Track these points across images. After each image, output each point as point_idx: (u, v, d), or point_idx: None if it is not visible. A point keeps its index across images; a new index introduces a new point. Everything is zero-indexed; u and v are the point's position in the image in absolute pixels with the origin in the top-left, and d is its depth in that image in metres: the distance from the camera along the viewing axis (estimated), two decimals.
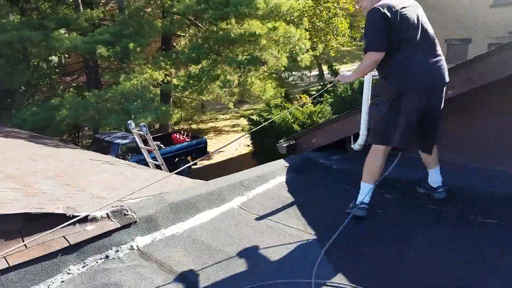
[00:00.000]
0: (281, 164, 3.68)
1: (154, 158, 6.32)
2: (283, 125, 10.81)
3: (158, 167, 6.25)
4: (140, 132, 5.91)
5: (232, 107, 17.92)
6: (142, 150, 6.25)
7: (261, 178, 3.35)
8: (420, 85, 2.47)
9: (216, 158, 14.59)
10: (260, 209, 2.90)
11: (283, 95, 14.29)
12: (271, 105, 12.42)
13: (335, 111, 10.82)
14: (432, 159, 2.86)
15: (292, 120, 10.75)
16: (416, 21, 2.46)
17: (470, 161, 3.36)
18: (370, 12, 2.47)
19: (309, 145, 4.06)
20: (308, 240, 2.46)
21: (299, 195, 3.14)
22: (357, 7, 2.87)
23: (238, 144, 15.86)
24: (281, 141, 4.22)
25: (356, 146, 3.62)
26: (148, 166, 6.34)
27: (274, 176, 3.45)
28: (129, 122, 6.04)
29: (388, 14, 2.39)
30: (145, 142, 6.29)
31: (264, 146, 11.27)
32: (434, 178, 2.88)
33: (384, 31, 2.41)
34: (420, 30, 2.49)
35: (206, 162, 14.10)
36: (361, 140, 3.52)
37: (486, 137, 3.28)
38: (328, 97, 11.46)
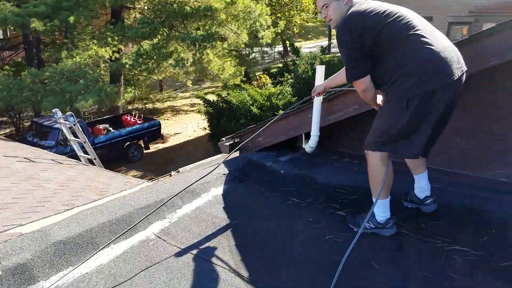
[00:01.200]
0: (219, 171, 3.06)
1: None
2: (240, 107, 10.17)
3: (90, 161, 5.48)
4: (66, 122, 5.09)
5: (191, 85, 17.04)
6: (71, 142, 5.44)
7: (190, 193, 2.72)
8: (450, 78, 1.90)
9: (172, 141, 13.77)
10: (185, 238, 2.29)
11: (243, 74, 13.54)
12: (228, 85, 11.68)
13: (295, 92, 10.28)
14: (422, 161, 2.34)
15: (250, 102, 10.11)
16: (402, 9, 2.01)
17: (447, 166, 2.88)
18: (339, 28, 2.04)
19: (256, 144, 3.46)
20: None
21: (236, 215, 2.55)
22: (321, 17, 2.28)
23: (197, 125, 15.12)
24: (224, 139, 3.59)
25: (307, 148, 3.07)
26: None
27: (208, 188, 2.83)
28: (54, 110, 5.18)
29: (363, 21, 1.96)
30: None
31: (221, 129, 10.62)
32: (421, 184, 2.37)
33: (360, 50, 1.97)
34: (415, 15, 2.01)
35: (160, 146, 13.27)
36: (312, 141, 2.98)
37: (468, 139, 2.79)
38: (289, 77, 10.88)
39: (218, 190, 2.84)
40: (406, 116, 1.95)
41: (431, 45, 1.90)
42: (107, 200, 3.47)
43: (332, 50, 22.49)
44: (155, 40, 11.70)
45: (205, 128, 12.42)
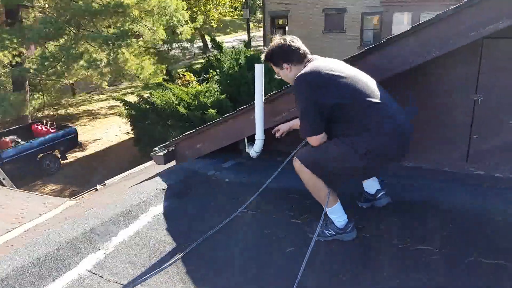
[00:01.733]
0: (156, 187, 2.74)
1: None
2: (166, 108, 9.67)
3: None
4: None
5: (107, 86, 15.91)
6: None
7: (126, 216, 2.38)
8: (408, 141, 2.03)
9: (92, 148, 12.77)
10: (126, 271, 1.97)
11: (164, 72, 12.93)
12: (150, 85, 11.09)
13: (223, 89, 10.03)
14: None
15: (176, 102, 9.65)
16: (357, 73, 2.03)
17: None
18: (298, 83, 1.99)
19: (194, 151, 3.18)
20: None
21: (183, 236, 2.27)
22: (277, 76, 2.24)
23: (119, 129, 14.21)
24: (157, 148, 3.24)
25: (252, 153, 2.90)
26: None
27: (146, 208, 2.50)
28: None
29: (322, 81, 1.93)
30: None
31: (147, 133, 10.03)
32: (369, 180, 2.35)
33: (318, 108, 1.93)
34: (368, 78, 2.04)
35: (79, 154, 12.21)
36: (257, 146, 2.80)
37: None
38: (214, 73, 10.58)
39: (158, 209, 2.52)
40: (362, 162, 1.97)
41: (391, 116, 1.94)
42: (24, 229, 2.99)
43: (253, 44, 22.60)
44: (62, 41, 10.66)
45: (128, 132, 11.68)
